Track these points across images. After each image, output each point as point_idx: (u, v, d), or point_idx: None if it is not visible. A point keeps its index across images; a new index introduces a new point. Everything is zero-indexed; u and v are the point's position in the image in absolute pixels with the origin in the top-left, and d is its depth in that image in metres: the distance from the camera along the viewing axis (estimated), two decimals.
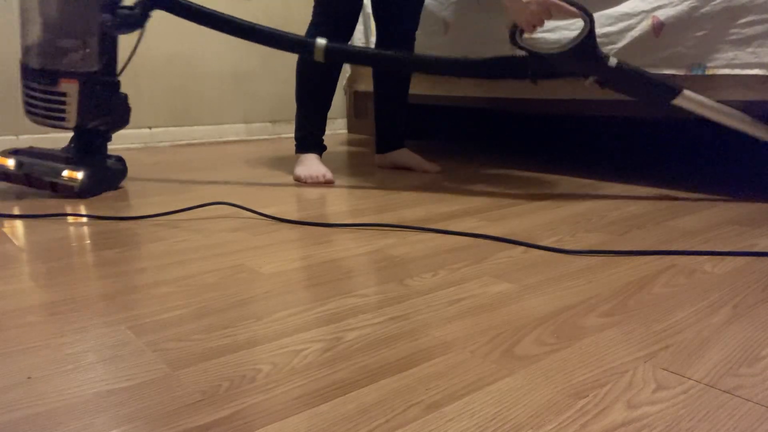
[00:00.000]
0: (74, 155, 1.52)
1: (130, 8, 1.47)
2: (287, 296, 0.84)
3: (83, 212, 1.33)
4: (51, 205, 1.41)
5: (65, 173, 1.48)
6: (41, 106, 1.49)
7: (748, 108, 1.40)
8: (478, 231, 1.16)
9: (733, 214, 1.27)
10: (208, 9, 1.47)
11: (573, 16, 1.38)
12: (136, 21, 1.48)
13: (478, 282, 0.88)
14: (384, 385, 0.60)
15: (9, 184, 1.65)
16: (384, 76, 1.87)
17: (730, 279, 0.88)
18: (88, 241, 1.12)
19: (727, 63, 1.39)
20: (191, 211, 1.34)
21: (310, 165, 1.71)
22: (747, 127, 1.41)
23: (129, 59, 1.55)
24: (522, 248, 1.05)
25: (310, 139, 1.77)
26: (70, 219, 1.28)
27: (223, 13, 1.47)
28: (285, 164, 2.01)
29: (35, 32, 1.45)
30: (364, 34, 2.37)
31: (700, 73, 1.43)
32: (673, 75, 1.47)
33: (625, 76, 1.39)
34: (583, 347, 0.67)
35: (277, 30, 1.48)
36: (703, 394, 0.57)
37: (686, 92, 1.38)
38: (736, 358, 0.64)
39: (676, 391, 0.58)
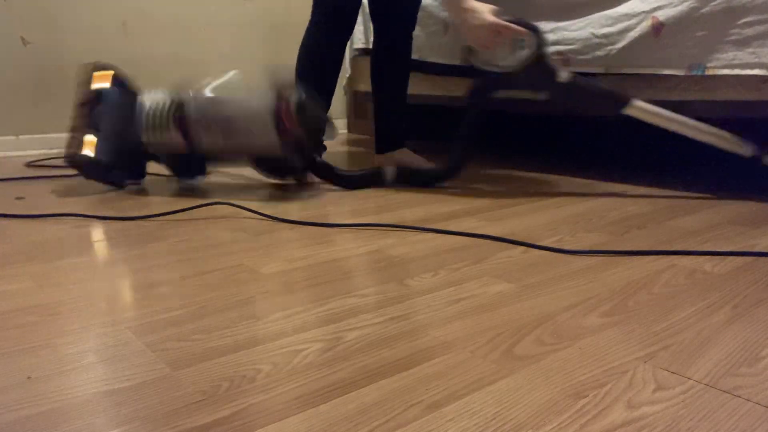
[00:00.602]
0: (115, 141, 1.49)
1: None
2: (287, 296, 0.84)
3: (84, 212, 1.33)
4: (51, 204, 1.41)
5: (88, 138, 1.41)
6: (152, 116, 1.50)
7: (747, 108, 1.40)
8: (478, 231, 1.16)
9: (733, 214, 1.27)
10: None
11: (522, 35, 1.43)
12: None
13: (478, 282, 0.88)
14: (384, 385, 0.60)
15: (8, 182, 1.65)
16: (383, 75, 1.87)
17: (730, 279, 0.88)
18: (89, 241, 1.12)
19: (726, 63, 1.39)
20: (191, 211, 1.34)
21: None
22: (711, 138, 1.38)
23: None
24: (522, 248, 1.05)
25: None
26: (71, 219, 1.28)
27: None
28: None
29: (217, 118, 1.44)
30: (363, 34, 2.37)
31: (699, 73, 1.43)
32: (673, 75, 1.48)
33: (576, 90, 1.42)
34: (583, 347, 0.67)
35: None
36: (703, 394, 0.57)
37: (636, 102, 1.39)
38: (736, 358, 0.64)
39: (676, 391, 0.58)
